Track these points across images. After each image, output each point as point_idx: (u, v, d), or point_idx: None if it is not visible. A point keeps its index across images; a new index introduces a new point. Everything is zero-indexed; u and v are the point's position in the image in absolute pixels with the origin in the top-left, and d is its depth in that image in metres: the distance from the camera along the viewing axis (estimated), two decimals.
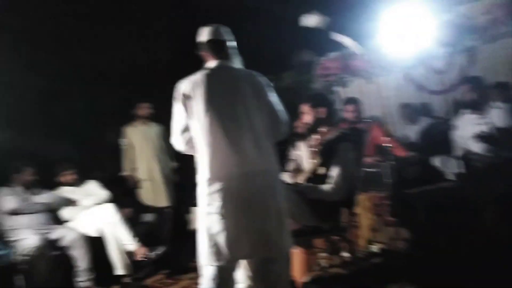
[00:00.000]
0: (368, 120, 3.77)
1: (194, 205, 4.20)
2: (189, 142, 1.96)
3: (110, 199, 3.64)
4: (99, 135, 5.09)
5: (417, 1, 4.16)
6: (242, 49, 2.12)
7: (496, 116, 2.96)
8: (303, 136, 2.73)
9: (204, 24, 2.09)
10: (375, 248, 2.87)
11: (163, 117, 4.06)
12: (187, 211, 4.30)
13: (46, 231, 3.25)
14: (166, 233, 4.01)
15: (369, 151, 3.50)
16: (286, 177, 3.75)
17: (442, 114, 4.37)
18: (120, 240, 3.27)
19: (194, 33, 2.12)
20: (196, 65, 2.06)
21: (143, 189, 4.06)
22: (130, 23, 5.01)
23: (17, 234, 3.17)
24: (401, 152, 3.36)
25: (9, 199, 3.26)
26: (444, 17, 4.09)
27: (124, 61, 4.88)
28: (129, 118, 4.17)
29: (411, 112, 4.35)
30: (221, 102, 1.90)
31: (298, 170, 3.80)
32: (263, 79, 2.01)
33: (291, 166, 3.66)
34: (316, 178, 2.45)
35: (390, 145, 3.05)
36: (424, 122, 4.31)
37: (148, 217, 3.93)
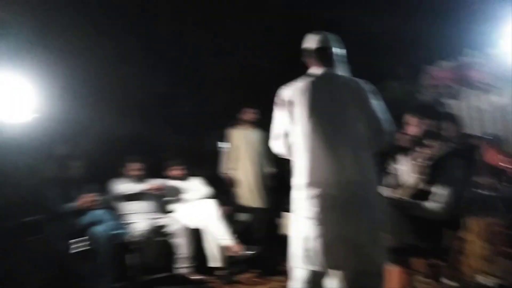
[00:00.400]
0: (481, 137, 3.43)
1: (286, 210, 4.30)
2: (287, 146, 2.02)
3: (211, 195, 3.92)
4: (206, 136, 5.50)
5: None
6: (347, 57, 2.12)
7: None
8: (405, 150, 2.60)
9: (312, 31, 2.13)
10: (485, 280, 2.59)
11: (265, 123, 4.28)
12: (279, 216, 4.39)
13: (154, 218, 3.62)
14: (260, 234, 4.16)
15: (483, 171, 3.18)
16: (385, 191, 3.62)
17: None
18: (218, 234, 3.49)
19: (301, 41, 2.18)
20: (298, 72, 2.11)
21: (240, 189, 4.27)
22: (240, 30, 5.32)
23: (131, 218, 3.59)
24: None
25: (124, 187, 3.69)
26: None
27: (232, 68, 5.20)
28: (234, 121, 4.43)
29: None
30: (323, 110, 1.92)
31: (397, 185, 3.65)
32: (367, 87, 1.99)
33: (390, 180, 3.51)
34: (420, 194, 2.33)
35: (509, 166, 2.72)
36: None
37: (244, 216, 4.13)
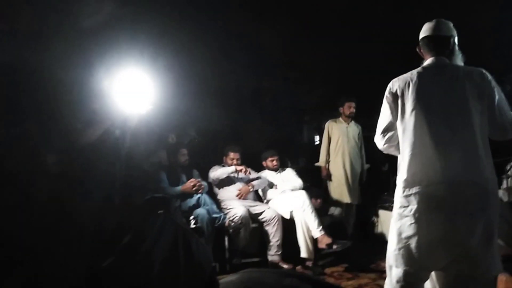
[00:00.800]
0: None
1: (380, 208, 4.19)
2: (391, 141, 1.95)
3: (302, 186, 4.01)
4: (303, 128, 5.60)
5: None
6: (463, 46, 1.97)
7: None
8: None
9: (423, 21, 2.03)
10: None
11: (364, 118, 4.21)
12: (374, 213, 4.30)
13: (249, 205, 3.83)
14: (350, 229, 4.12)
15: None
16: (504, 194, 3.27)
17: None
18: (308, 225, 3.56)
19: (410, 34, 2.09)
20: (407, 67, 2.01)
21: (333, 182, 4.27)
22: (339, 22, 5.26)
23: (228, 204, 3.85)
24: None
25: (219, 171, 3.93)
26: None
27: (331, 62, 5.19)
28: (330, 115, 4.45)
29: None
30: (434, 102, 1.81)
31: None
32: (487, 77, 1.82)
33: (508, 181, 3.16)
34: None
35: None
36: None
37: (335, 210, 4.13)
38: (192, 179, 3.71)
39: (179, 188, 3.67)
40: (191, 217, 3.51)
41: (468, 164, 1.74)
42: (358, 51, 5.39)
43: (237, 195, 3.88)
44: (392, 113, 1.92)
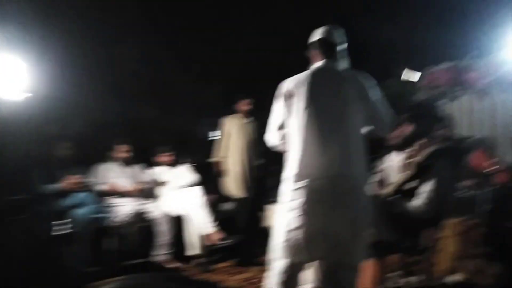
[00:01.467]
0: (470, 138, 3.40)
1: (269, 202, 4.31)
2: (283, 139, 2.03)
3: (198, 183, 3.92)
4: (199, 123, 5.50)
5: None
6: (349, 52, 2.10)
7: None
8: (395, 147, 2.59)
9: (316, 25, 2.13)
10: (455, 278, 2.58)
11: (260, 115, 4.27)
12: (262, 208, 4.39)
13: (137, 203, 3.62)
14: (241, 224, 4.16)
15: (468, 173, 3.16)
16: (372, 188, 3.61)
17: None
18: (199, 222, 3.49)
19: (303, 35, 2.17)
20: (302, 68, 2.11)
21: (227, 177, 4.27)
22: (242, 22, 5.31)
23: (114, 202, 3.58)
24: (504, 179, 2.95)
25: (109, 171, 3.68)
26: None
27: (230, 59, 5.20)
28: (229, 111, 4.43)
29: None
30: (321, 103, 1.93)
31: (384, 182, 3.63)
32: (368, 80, 1.99)
33: (378, 177, 3.50)
34: (405, 191, 2.32)
35: (493, 169, 2.69)
36: None
37: (227, 205, 4.12)
38: (71, 176, 3.36)
39: (57, 186, 3.30)
40: (67, 219, 3.18)
41: (345, 161, 1.88)
42: (258, 47, 5.52)
43: (127, 193, 3.64)
44: (284, 111, 2.00)
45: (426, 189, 2.15)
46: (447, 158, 2.23)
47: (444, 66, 4.73)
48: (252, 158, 4.29)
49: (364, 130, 1.98)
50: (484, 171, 2.93)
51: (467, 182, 3.09)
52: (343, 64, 2.06)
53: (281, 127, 2.02)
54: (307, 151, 1.89)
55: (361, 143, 1.95)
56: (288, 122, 1.99)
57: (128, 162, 3.80)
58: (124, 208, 3.47)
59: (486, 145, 3.36)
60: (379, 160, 2.76)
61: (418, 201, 2.18)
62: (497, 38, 4.20)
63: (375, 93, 1.98)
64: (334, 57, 2.02)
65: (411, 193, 2.26)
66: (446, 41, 4.98)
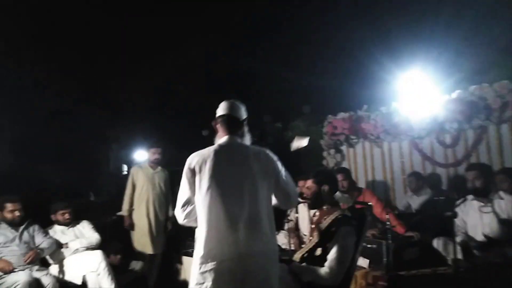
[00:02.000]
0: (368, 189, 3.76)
1: (185, 254, 4.13)
2: (191, 216, 1.96)
3: (99, 242, 3.56)
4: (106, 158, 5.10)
5: (432, 74, 4.24)
6: (255, 99, 2.12)
7: (498, 206, 2.90)
8: (304, 200, 2.67)
9: (217, 85, 2.12)
10: None
11: (172, 163, 4.12)
12: (178, 261, 4.20)
13: (30, 270, 3.16)
14: (153, 281, 3.90)
15: (372, 224, 3.43)
16: (281, 237, 3.69)
17: (445, 187, 4.33)
18: None
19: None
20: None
21: (136, 233, 3.99)
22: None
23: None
24: (400, 230, 3.28)
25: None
26: (457, 94, 4.12)
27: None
28: (138, 160, 4.20)
29: (416, 182, 4.29)
30: (226, 179, 1.91)
31: (295, 231, 3.75)
32: (271, 156, 2.01)
33: (289, 225, 3.60)
34: (313, 258, 2.38)
35: (391, 223, 2.96)
36: (428, 194, 4.24)
37: (137, 264, 3.83)
38: None
39: None
40: None
41: (254, 237, 1.87)
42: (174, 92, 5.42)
43: (24, 260, 3.16)
44: (190, 188, 1.96)
45: (331, 256, 2.24)
46: (349, 224, 2.33)
47: (342, 115, 5.17)
48: (162, 210, 4.09)
49: (271, 204, 2.00)
50: (383, 223, 3.21)
51: (372, 234, 3.36)
52: (246, 140, 2.08)
53: (189, 203, 1.96)
54: (213, 231, 1.85)
55: (270, 218, 1.95)
56: (195, 199, 1.94)
57: (18, 223, 3.31)
58: (18, 276, 2.98)
59: (379, 198, 3.69)
60: (292, 225, 2.83)
61: (324, 268, 2.24)
62: (387, 93, 4.75)
63: (278, 168, 2.01)
64: (238, 133, 2.04)
65: (319, 259, 2.32)
66: (345, 91, 5.47)
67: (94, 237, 3.58)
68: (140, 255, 3.92)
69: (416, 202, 4.24)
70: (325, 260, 2.28)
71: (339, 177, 3.60)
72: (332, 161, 5.27)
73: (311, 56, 5.95)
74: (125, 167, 5.51)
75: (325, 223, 2.38)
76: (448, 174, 4.37)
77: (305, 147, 3.82)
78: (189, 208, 1.96)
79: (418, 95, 4.33)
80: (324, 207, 2.47)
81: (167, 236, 4.11)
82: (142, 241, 3.94)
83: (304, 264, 2.38)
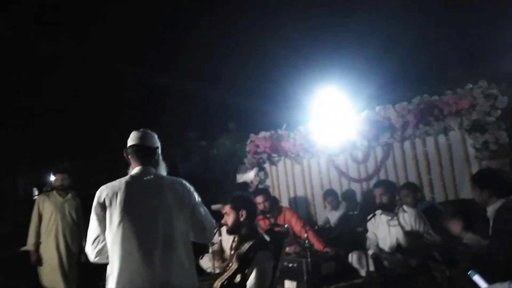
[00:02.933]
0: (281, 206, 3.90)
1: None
2: (102, 253, 1.86)
3: (2, 282, 3.19)
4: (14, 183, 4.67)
5: (345, 96, 4.56)
6: (180, 118, 2.08)
7: (403, 219, 3.18)
8: (225, 227, 2.65)
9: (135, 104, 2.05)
10: None
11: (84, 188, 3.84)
12: None
13: None
14: None
15: (289, 241, 3.52)
16: (206, 261, 3.63)
17: (360, 200, 4.63)
18: None
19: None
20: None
21: (44, 268, 3.63)
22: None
23: None
24: (319, 246, 3.42)
25: None
26: (365, 114, 4.46)
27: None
28: (43, 188, 3.85)
29: (333, 199, 4.54)
30: (139, 212, 1.82)
31: (219, 253, 3.72)
32: (187, 187, 1.96)
33: (213, 248, 3.55)
34: (232, 285, 2.36)
35: (309, 240, 3.07)
36: (344, 208, 4.51)
37: None
38: None
39: None
40: None
41: (172, 272, 1.80)
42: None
43: None
44: (100, 224, 1.85)
45: (250, 282, 2.25)
46: (266, 249, 2.35)
47: (264, 134, 5.31)
48: (75, 242, 3.78)
49: (189, 236, 1.94)
50: (302, 240, 3.33)
51: (289, 250, 3.46)
52: (161, 169, 2.02)
53: (99, 240, 1.85)
54: (126, 266, 1.76)
55: (188, 250, 1.90)
56: (106, 235, 1.83)
57: None
58: None
59: (298, 216, 3.82)
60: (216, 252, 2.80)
61: None
62: (304, 113, 4.99)
63: (195, 199, 1.96)
64: (152, 163, 1.97)
65: (239, 287, 2.31)
66: (266, 110, 5.65)
67: None
68: None
69: (334, 216, 4.48)
70: (245, 286, 2.28)
71: (260, 198, 3.67)
72: (256, 179, 5.36)
73: (232, 75, 6.08)
74: (36, 191, 5.06)
75: (243, 249, 2.39)
76: (362, 188, 4.69)
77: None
78: (100, 245, 1.85)
79: (331, 115, 4.63)
80: (243, 232, 2.48)
81: (81, 270, 3.80)
82: (51, 277, 3.59)
83: None
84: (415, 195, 3.56)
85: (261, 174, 5.37)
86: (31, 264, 3.66)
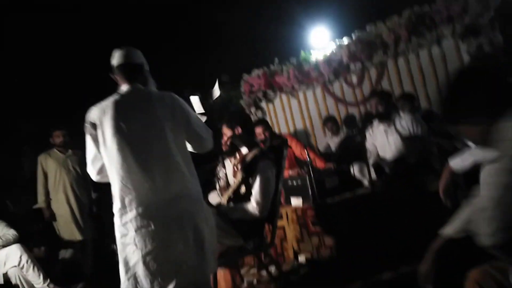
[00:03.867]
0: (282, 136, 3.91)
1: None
2: (103, 171, 1.88)
3: (18, 238, 3.28)
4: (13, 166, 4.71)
5: (333, 19, 4.45)
6: (169, 69, 2.04)
7: (400, 125, 3.19)
8: (228, 154, 2.69)
9: (121, 45, 2.00)
10: (301, 259, 2.90)
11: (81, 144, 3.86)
12: (114, 242, 4.05)
13: None
14: (87, 268, 3.72)
15: (290, 164, 3.58)
16: (214, 196, 3.71)
17: (359, 124, 4.64)
18: (30, 283, 2.97)
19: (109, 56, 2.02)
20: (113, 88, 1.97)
21: (59, 222, 3.75)
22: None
23: None
24: (320, 164, 3.47)
25: None
26: (356, 34, 4.37)
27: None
28: (46, 146, 3.88)
29: (332, 124, 4.55)
30: (132, 128, 1.82)
31: (226, 188, 3.79)
32: (178, 99, 1.94)
33: (219, 183, 3.62)
34: (238, 197, 2.42)
35: (310, 158, 3.11)
36: (344, 133, 4.54)
37: (66, 253, 3.62)
38: None
39: None
40: None
41: (172, 180, 1.82)
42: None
43: None
44: (95, 143, 1.86)
45: (254, 191, 2.30)
46: (267, 158, 2.39)
47: (256, 72, 5.25)
48: (84, 193, 3.87)
49: (186, 148, 1.96)
50: (303, 160, 3.37)
51: (292, 171, 3.52)
52: (150, 84, 2.00)
53: (97, 159, 1.87)
54: (126, 182, 1.78)
55: (187, 161, 1.90)
56: (102, 153, 1.85)
57: None
58: None
59: (298, 139, 3.86)
60: (219, 167, 2.85)
61: (250, 203, 2.30)
62: (295, 42, 4.89)
63: (187, 110, 1.95)
64: (139, 79, 1.94)
65: (245, 197, 2.37)
66: (256, 45, 5.50)
67: (10, 234, 3.28)
68: (69, 243, 3.70)
69: (335, 142, 4.51)
70: (250, 195, 2.34)
71: (259, 128, 3.68)
72: (254, 118, 5.36)
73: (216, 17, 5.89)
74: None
75: (245, 160, 2.44)
76: (360, 112, 4.68)
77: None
78: (99, 164, 1.88)
79: (323, 41, 4.55)
80: (243, 150, 2.51)
81: (94, 220, 3.91)
82: (67, 230, 3.71)
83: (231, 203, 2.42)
84: (412, 104, 3.56)
85: (259, 113, 5.36)
86: (44, 221, 3.77)
